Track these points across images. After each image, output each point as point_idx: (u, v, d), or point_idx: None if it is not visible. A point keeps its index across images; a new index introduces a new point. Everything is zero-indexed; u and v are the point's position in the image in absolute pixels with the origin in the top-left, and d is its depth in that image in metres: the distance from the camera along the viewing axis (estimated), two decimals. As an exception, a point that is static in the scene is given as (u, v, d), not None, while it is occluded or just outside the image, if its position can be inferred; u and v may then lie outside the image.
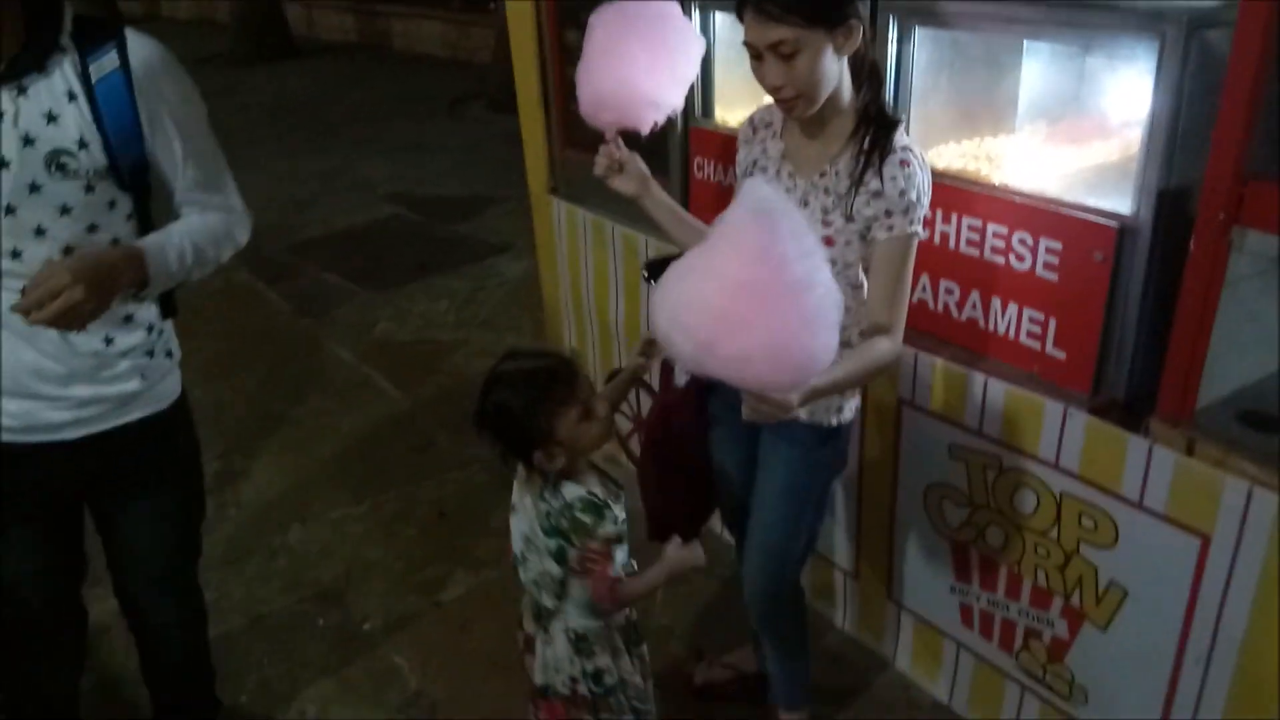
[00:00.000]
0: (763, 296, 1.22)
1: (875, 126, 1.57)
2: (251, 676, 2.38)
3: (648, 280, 2.34)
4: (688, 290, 1.27)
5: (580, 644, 1.66)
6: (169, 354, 1.69)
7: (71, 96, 1.43)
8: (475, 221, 5.66)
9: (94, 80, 1.44)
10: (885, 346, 1.60)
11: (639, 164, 1.76)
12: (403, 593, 2.65)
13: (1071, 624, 1.85)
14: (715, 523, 2.50)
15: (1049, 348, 1.78)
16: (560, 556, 1.58)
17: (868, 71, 1.59)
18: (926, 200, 1.58)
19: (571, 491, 1.57)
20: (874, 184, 1.55)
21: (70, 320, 1.34)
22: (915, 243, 1.59)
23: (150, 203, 1.57)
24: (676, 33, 1.68)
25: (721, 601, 2.52)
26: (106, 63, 1.45)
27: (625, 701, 1.71)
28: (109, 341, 1.56)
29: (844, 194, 1.59)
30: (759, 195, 1.26)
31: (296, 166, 6.98)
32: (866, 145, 1.56)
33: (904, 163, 1.54)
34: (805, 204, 1.64)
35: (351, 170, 6.86)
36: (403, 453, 3.33)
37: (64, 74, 1.43)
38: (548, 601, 1.64)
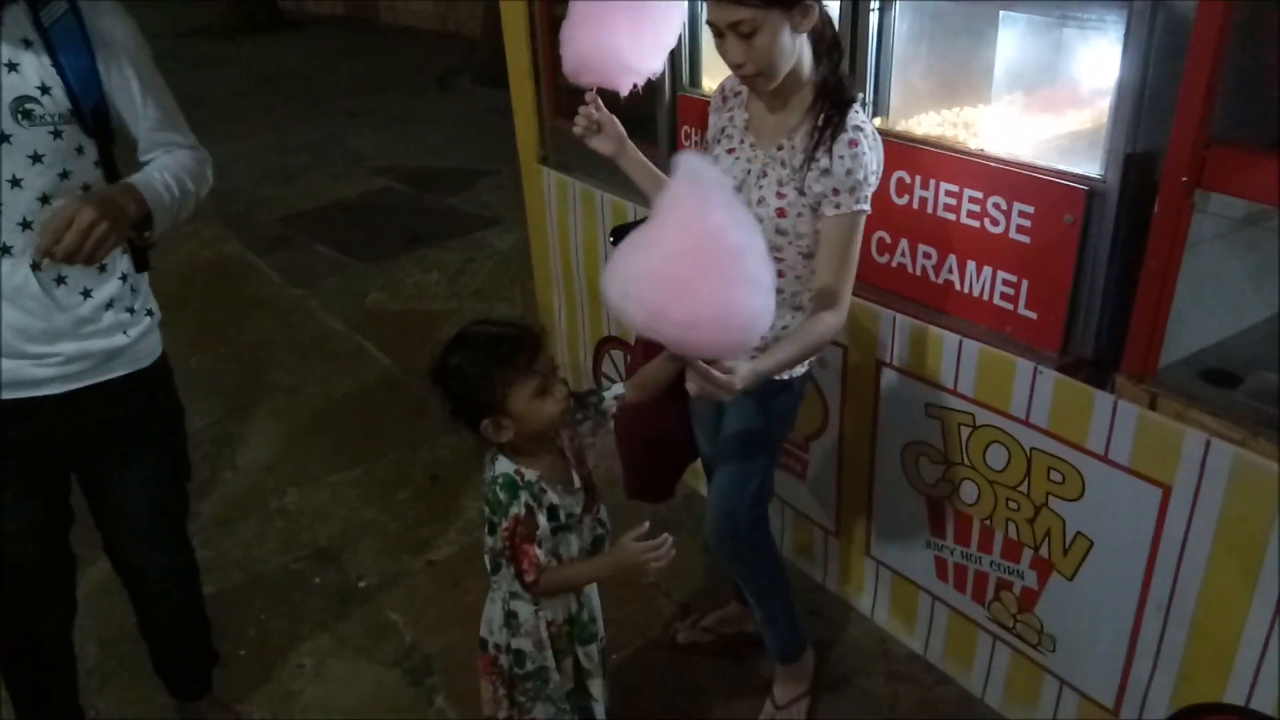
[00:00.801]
0: (704, 261, 1.30)
1: (831, 103, 1.63)
2: (249, 631, 2.45)
3: (614, 245, 2.39)
4: (636, 262, 1.34)
5: (510, 620, 1.64)
6: (149, 313, 1.72)
7: (27, 44, 1.45)
8: (465, 194, 5.69)
9: (47, 25, 1.46)
10: (829, 322, 1.66)
11: (616, 125, 1.82)
12: (397, 552, 2.72)
13: (1040, 574, 1.93)
14: (701, 485, 2.57)
15: (1021, 308, 1.84)
16: (491, 529, 1.56)
17: (828, 46, 1.65)
18: (875, 179, 1.63)
19: (501, 466, 1.55)
20: (824, 161, 1.61)
21: (92, 247, 1.35)
22: (862, 220, 1.65)
23: (115, 151, 1.60)
24: None
25: (708, 561, 2.59)
26: (55, 7, 1.48)
27: (540, 692, 1.68)
28: (87, 294, 1.59)
29: (798, 168, 1.65)
30: (691, 167, 1.32)
31: (286, 139, 6.97)
32: (820, 122, 1.62)
33: (853, 142, 1.59)
34: (764, 174, 1.70)
35: (342, 143, 6.86)
36: (396, 419, 3.38)
37: (17, 22, 1.46)
38: (488, 567, 1.62)
